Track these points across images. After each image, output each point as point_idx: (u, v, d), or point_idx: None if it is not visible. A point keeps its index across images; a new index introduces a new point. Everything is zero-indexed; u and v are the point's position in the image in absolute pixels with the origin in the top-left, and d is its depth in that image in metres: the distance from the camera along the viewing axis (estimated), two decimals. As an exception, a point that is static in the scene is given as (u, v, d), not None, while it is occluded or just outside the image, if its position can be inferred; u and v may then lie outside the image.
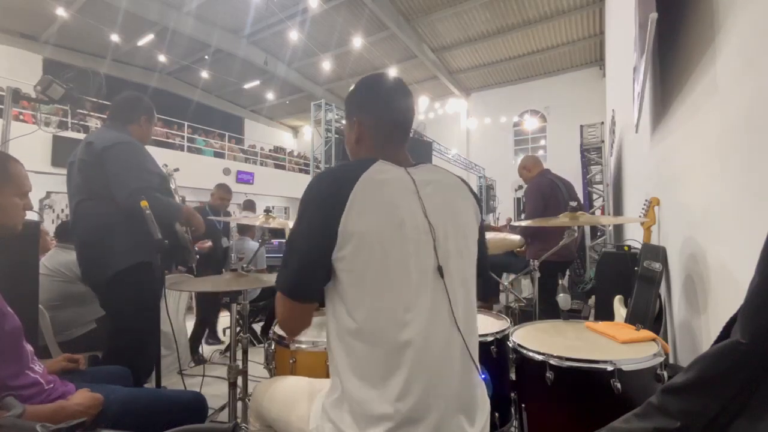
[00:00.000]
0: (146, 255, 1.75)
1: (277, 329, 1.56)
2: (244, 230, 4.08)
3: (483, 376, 0.94)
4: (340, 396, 0.81)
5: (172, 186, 2.30)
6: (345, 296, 0.80)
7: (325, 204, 0.80)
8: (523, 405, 1.30)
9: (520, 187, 8.37)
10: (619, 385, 1.06)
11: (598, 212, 5.54)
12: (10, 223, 1.18)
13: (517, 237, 2.55)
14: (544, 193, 2.90)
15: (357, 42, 9.44)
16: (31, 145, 7.23)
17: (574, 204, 1.79)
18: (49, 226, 8.46)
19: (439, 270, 0.82)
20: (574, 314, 3.57)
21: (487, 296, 1.11)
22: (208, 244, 3.46)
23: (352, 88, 1.01)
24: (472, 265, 0.93)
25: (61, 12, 8.62)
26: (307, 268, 0.82)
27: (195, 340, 3.30)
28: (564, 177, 3.11)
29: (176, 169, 2.54)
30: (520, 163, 3.25)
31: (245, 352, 1.87)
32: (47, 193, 9.03)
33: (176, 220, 1.88)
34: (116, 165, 1.69)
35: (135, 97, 1.97)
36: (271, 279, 1.75)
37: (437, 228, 0.84)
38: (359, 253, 0.78)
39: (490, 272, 1.17)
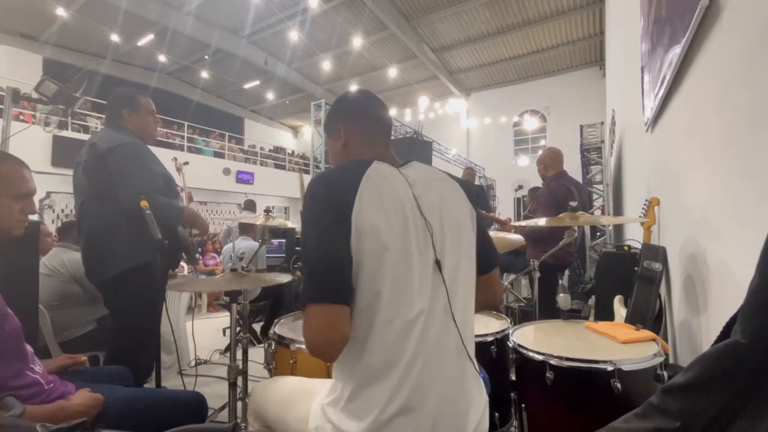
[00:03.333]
0: (147, 256, 1.76)
1: (279, 330, 1.56)
2: (245, 230, 4.08)
3: (481, 375, 0.94)
4: (341, 395, 0.82)
5: (180, 183, 2.23)
6: (368, 289, 0.79)
7: (334, 201, 0.80)
8: (523, 405, 1.30)
9: (520, 186, 8.36)
10: (619, 385, 1.06)
11: (598, 212, 5.54)
12: (2, 226, 1.10)
13: (517, 236, 2.54)
14: (558, 200, 2.81)
15: (357, 42, 9.45)
16: (31, 145, 7.23)
17: (573, 204, 1.79)
18: (49, 226, 8.48)
19: (437, 264, 0.84)
20: (574, 314, 3.57)
21: (499, 296, 1.09)
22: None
23: (330, 108, 1.06)
24: (469, 259, 0.93)
25: (61, 12, 8.62)
26: (331, 262, 0.77)
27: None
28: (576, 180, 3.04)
29: (185, 163, 2.47)
30: (540, 155, 3.13)
31: (245, 352, 1.87)
32: (47, 193, 9.04)
33: (177, 223, 1.88)
34: (120, 167, 1.70)
35: (113, 95, 1.92)
36: (271, 278, 1.75)
37: (433, 224, 0.86)
38: (377, 244, 0.78)
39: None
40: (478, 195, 5.23)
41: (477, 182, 11.51)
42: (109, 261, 1.74)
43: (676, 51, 1.37)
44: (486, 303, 1.04)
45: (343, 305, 0.77)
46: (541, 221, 1.92)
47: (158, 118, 2.04)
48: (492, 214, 3.20)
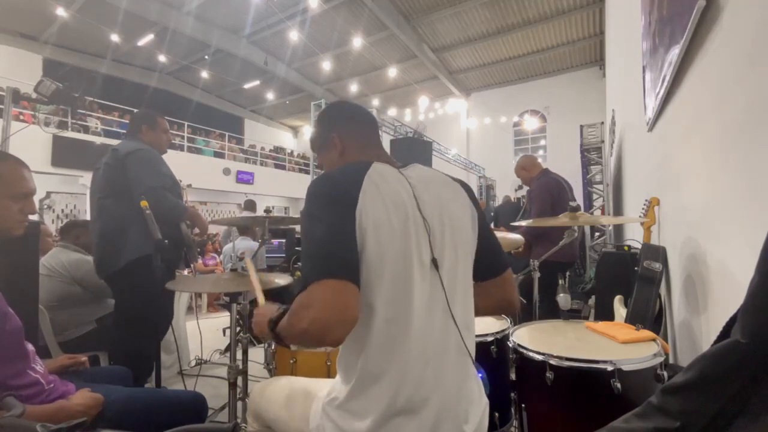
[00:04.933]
0: (151, 249, 1.83)
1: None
2: (245, 230, 4.08)
3: (480, 375, 0.94)
4: (342, 394, 0.82)
5: (183, 198, 2.44)
6: (368, 287, 0.78)
7: (338, 197, 0.80)
8: (523, 405, 1.30)
9: (520, 186, 8.38)
10: (619, 385, 1.06)
11: (598, 212, 5.54)
12: (2, 226, 1.11)
13: (517, 236, 2.54)
14: (552, 193, 2.84)
15: (357, 42, 9.45)
16: (31, 145, 7.22)
17: (574, 204, 1.79)
18: (49, 226, 8.47)
19: (434, 262, 0.84)
20: (574, 314, 3.58)
21: (514, 300, 1.05)
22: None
23: (315, 122, 1.09)
24: (468, 259, 0.93)
25: (61, 12, 8.62)
26: (341, 244, 0.75)
27: None
28: (564, 177, 3.08)
29: (189, 185, 2.65)
30: (517, 163, 3.19)
31: (245, 352, 1.87)
32: (47, 193, 9.03)
33: (181, 220, 2.06)
34: (135, 166, 1.97)
35: (136, 114, 2.28)
36: (271, 279, 1.75)
37: (432, 224, 0.86)
38: (378, 242, 0.78)
39: None
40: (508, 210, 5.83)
41: (477, 182, 11.54)
42: (122, 251, 1.92)
43: (675, 51, 1.37)
44: (500, 307, 1.00)
45: (355, 285, 0.73)
46: (542, 221, 1.92)
47: (170, 136, 2.35)
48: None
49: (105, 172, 2.00)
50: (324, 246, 0.75)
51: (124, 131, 2.30)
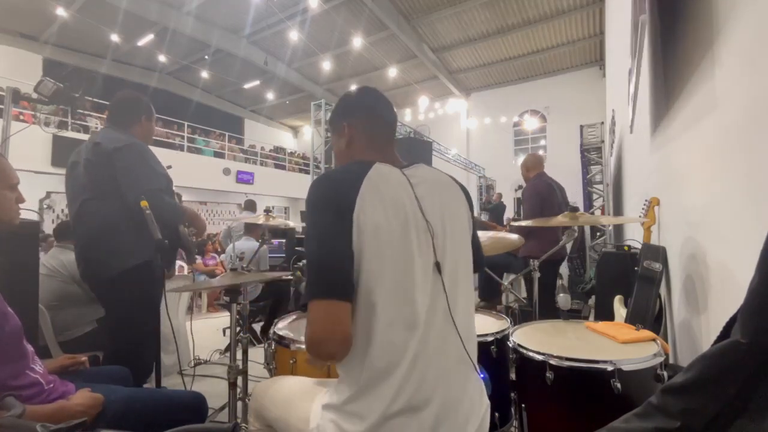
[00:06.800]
0: (148, 254, 1.77)
1: (279, 330, 1.56)
2: (249, 231, 4.07)
3: (482, 376, 0.94)
4: (343, 395, 0.82)
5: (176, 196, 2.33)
6: (369, 290, 0.79)
7: (335, 202, 0.80)
8: (523, 405, 1.30)
9: (520, 187, 8.39)
10: (619, 385, 1.06)
11: (598, 212, 5.55)
12: (5, 218, 1.15)
13: (516, 236, 2.55)
14: (542, 195, 3.01)
15: (357, 42, 9.44)
16: (31, 145, 7.23)
17: (574, 204, 1.79)
18: (49, 226, 8.48)
19: (437, 266, 0.84)
20: (574, 314, 3.58)
21: (487, 294, 1.09)
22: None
23: (335, 104, 1.07)
24: (468, 261, 0.94)
25: (61, 12, 8.62)
26: (332, 259, 0.78)
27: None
28: (564, 177, 3.22)
29: (169, 167, 2.54)
30: (523, 160, 3.37)
31: (245, 352, 1.87)
32: (47, 193, 9.03)
33: (179, 223, 1.93)
34: (127, 166, 1.73)
35: (134, 98, 1.97)
36: (270, 275, 1.75)
37: (434, 226, 0.86)
38: (378, 245, 0.78)
39: (490, 272, 1.15)
40: (500, 210, 5.79)
41: (477, 182, 11.54)
42: (115, 259, 1.73)
43: (635, 60, 1.39)
44: None
45: (343, 301, 0.76)
46: (543, 221, 1.92)
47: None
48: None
49: (88, 170, 1.75)
50: (318, 261, 0.78)
51: None
